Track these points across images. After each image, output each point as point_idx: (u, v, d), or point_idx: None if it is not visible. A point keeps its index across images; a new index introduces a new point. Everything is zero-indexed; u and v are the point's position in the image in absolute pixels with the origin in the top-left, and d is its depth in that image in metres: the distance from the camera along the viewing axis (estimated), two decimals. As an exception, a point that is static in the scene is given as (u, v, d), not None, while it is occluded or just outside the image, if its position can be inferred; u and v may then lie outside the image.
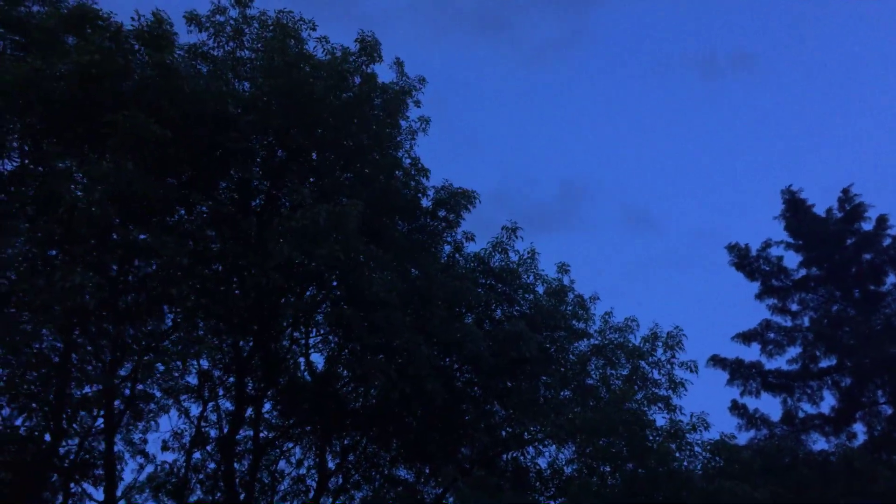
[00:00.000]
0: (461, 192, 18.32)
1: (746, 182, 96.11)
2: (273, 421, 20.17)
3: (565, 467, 18.25)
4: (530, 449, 18.88)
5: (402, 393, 16.29)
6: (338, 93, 16.15)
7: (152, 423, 19.67)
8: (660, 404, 17.78)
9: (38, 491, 15.61)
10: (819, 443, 26.19)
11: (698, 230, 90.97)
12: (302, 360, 19.64)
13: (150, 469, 19.98)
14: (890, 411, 25.52)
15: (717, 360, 28.23)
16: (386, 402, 17.71)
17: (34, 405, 16.07)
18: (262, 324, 17.20)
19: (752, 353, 28.85)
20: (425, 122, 18.81)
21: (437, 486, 18.65)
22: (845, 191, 28.90)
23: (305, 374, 19.55)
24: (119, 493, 17.94)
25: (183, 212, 15.85)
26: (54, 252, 14.78)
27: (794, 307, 28.70)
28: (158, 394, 19.15)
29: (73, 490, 17.33)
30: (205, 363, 19.17)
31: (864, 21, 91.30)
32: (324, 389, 18.20)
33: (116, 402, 16.95)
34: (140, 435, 19.78)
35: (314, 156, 16.88)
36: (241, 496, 18.07)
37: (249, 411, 19.22)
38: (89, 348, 16.54)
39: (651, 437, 15.83)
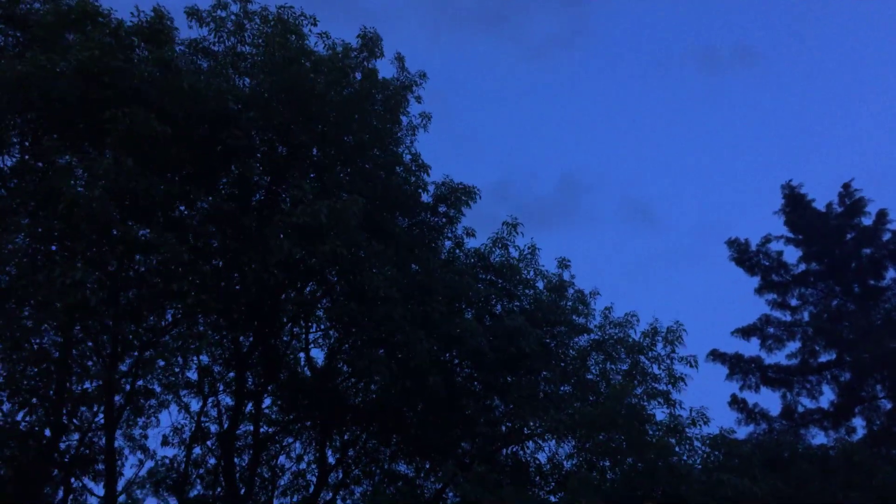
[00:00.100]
0: (461, 187, 18.33)
1: (747, 177, 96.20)
2: (273, 416, 20.19)
3: (565, 462, 18.28)
4: (530, 444, 18.91)
5: (403, 387, 16.33)
6: (339, 89, 16.13)
7: (153, 418, 19.73)
8: (659, 399, 17.80)
9: (38, 486, 15.63)
10: (818, 437, 26.30)
11: (699, 225, 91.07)
12: (302, 355, 19.70)
13: (150, 464, 20.07)
14: (889, 406, 25.59)
15: (716, 355, 28.30)
16: (386, 397, 17.74)
17: (35, 400, 16.11)
18: (263, 319, 17.21)
19: (751, 347, 28.85)
20: (426, 118, 18.81)
21: (437, 481, 18.67)
22: (846, 185, 28.92)
23: (305, 369, 19.60)
24: (119, 489, 17.99)
25: (183, 208, 15.84)
26: (54, 248, 14.81)
27: (794, 302, 28.76)
28: (159, 389, 19.18)
29: (73, 485, 17.40)
30: (205, 358, 19.22)
31: (865, 16, 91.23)
32: (324, 385, 18.22)
33: (117, 398, 16.97)
34: (140, 430, 19.86)
35: (315, 152, 16.85)
36: (242, 491, 18.10)
37: (249, 406, 19.27)
38: (90, 344, 16.57)
39: (651, 432, 15.83)
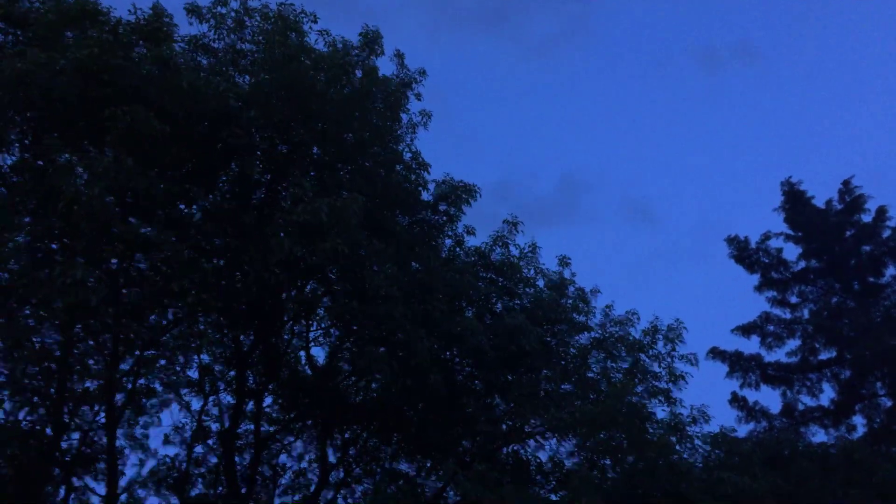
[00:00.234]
0: (462, 185, 18.31)
1: (747, 176, 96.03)
2: (274, 415, 20.17)
3: (566, 460, 18.31)
4: (531, 442, 18.92)
5: (403, 386, 16.34)
6: (339, 87, 16.11)
7: (154, 417, 19.72)
8: (660, 397, 17.83)
9: (40, 485, 15.63)
10: (818, 435, 26.32)
11: (699, 224, 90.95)
12: (303, 353, 19.69)
13: (151, 463, 20.06)
14: (889, 403, 25.61)
15: (716, 353, 28.30)
16: (387, 395, 17.75)
17: (36, 399, 16.11)
18: (263, 318, 17.20)
19: (751, 345, 28.88)
20: (426, 116, 18.78)
21: (438, 479, 18.68)
22: (846, 182, 28.92)
23: (306, 367, 19.60)
24: (121, 488, 17.99)
25: (183, 206, 15.83)
26: (55, 246, 14.80)
27: (794, 299, 28.78)
28: (160, 388, 19.17)
29: (75, 484, 17.39)
30: (205, 357, 19.22)
31: (866, 14, 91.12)
32: (325, 383, 18.23)
33: (118, 397, 16.97)
34: (142, 430, 19.85)
35: (315, 150, 16.84)
36: (243, 490, 18.11)
37: (250, 405, 19.26)
38: (91, 343, 16.57)
39: (651, 430, 15.87)
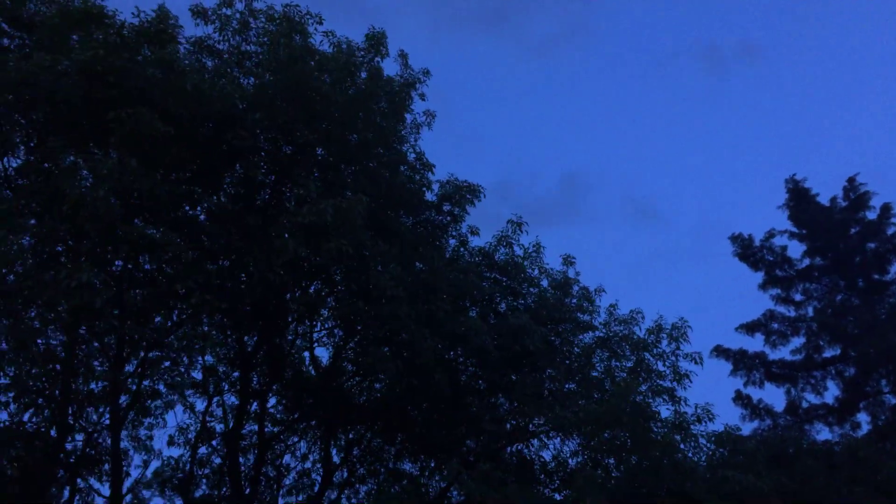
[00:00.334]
0: (466, 186, 18.31)
1: (750, 175, 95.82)
2: (278, 415, 20.20)
3: (570, 460, 18.29)
4: (535, 441, 18.91)
5: (408, 385, 16.35)
6: (344, 88, 16.11)
7: (159, 419, 19.75)
8: (664, 396, 17.78)
9: (44, 486, 15.65)
10: (823, 433, 26.34)
11: (701, 223, 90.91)
12: (307, 354, 19.71)
13: (156, 464, 20.09)
14: (894, 401, 25.57)
15: (720, 351, 28.32)
16: (391, 395, 17.76)
17: (41, 401, 16.14)
18: (267, 319, 17.22)
19: (755, 343, 28.91)
20: (430, 117, 18.79)
21: (442, 479, 18.68)
22: (850, 180, 28.88)
23: (310, 368, 19.62)
24: (125, 489, 18.02)
25: (188, 208, 15.85)
26: (60, 248, 14.83)
27: (798, 297, 28.78)
28: (164, 389, 19.20)
29: (79, 485, 17.42)
30: (209, 358, 19.23)
31: (869, 12, 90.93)
32: (328, 384, 18.24)
33: (122, 398, 17.00)
34: (146, 431, 19.88)
35: (319, 151, 16.84)
36: (247, 490, 18.14)
37: (254, 406, 19.29)
38: (95, 344, 16.60)
39: (655, 429, 15.83)
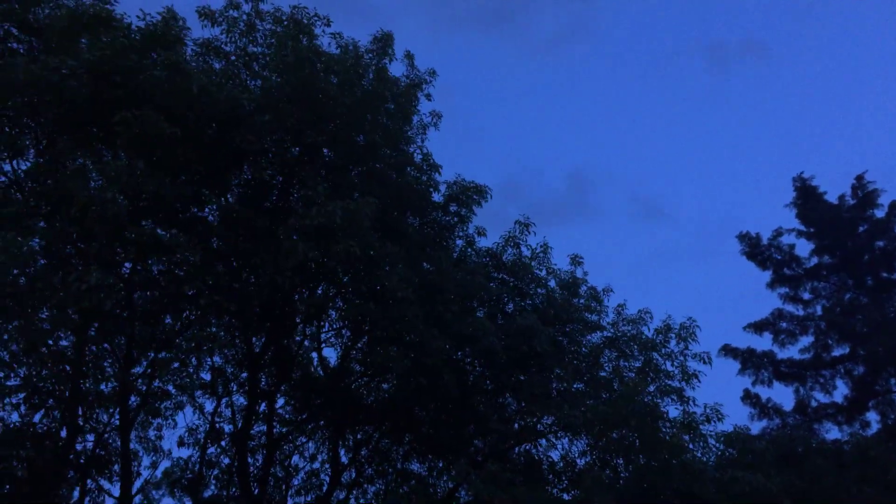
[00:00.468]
0: (473, 186, 18.30)
1: (757, 173, 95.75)
2: (286, 416, 20.25)
3: (578, 460, 18.27)
4: (543, 441, 18.89)
5: (416, 385, 16.36)
6: (351, 89, 16.12)
7: (168, 420, 19.82)
8: (673, 396, 17.74)
9: (54, 487, 15.71)
10: (832, 432, 26.26)
11: (708, 221, 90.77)
12: (315, 355, 19.75)
13: (165, 465, 20.17)
14: (903, 400, 25.47)
15: (728, 350, 28.26)
16: (399, 396, 17.78)
17: (51, 402, 16.21)
18: (275, 320, 17.26)
19: (764, 342, 28.90)
20: (437, 117, 18.80)
21: (450, 479, 18.70)
22: (859, 178, 28.78)
23: (318, 369, 19.66)
24: (135, 489, 18.09)
25: (195, 210, 15.89)
26: (69, 250, 14.89)
27: (807, 296, 28.71)
28: (173, 390, 19.27)
29: (89, 486, 17.49)
30: (218, 359, 19.29)
31: (875, 9, 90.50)
32: (336, 384, 18.27)
33: (132, 399, 17.07)
34: (155, 432, 19.96)
35: (326, 152, 16.87)
36: (256, 491, 18.18)
37: (263, 406, 19.33)
38: (105, 346, 16.67)
39: (664, 429, 15.81)
